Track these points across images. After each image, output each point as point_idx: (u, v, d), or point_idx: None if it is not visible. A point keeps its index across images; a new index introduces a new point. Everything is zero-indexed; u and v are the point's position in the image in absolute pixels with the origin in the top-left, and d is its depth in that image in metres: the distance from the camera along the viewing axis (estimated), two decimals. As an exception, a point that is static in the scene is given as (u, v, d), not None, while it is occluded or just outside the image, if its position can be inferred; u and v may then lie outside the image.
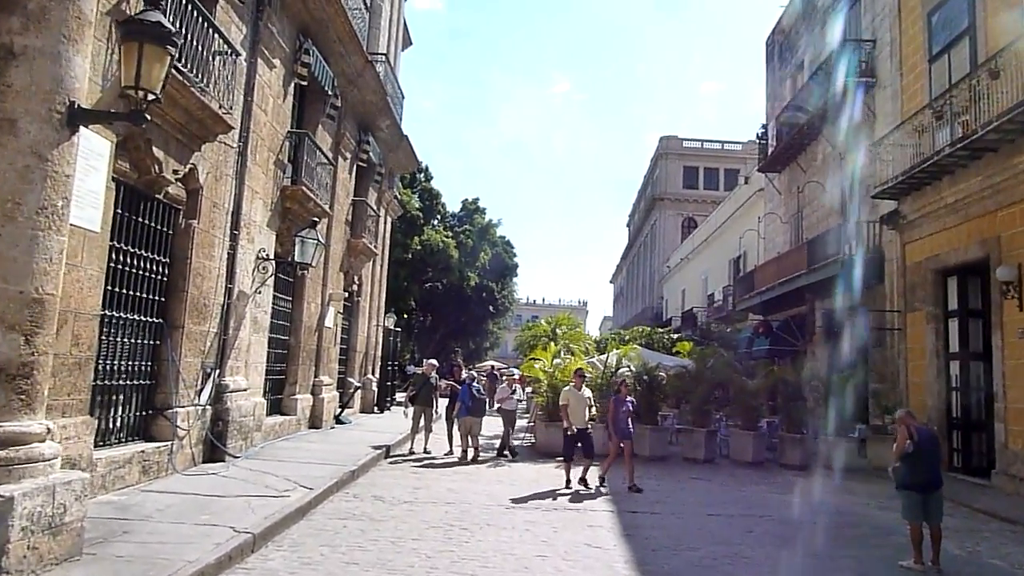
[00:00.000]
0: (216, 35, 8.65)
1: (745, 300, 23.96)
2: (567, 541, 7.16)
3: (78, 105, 5.13)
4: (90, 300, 6.72)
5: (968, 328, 13.18)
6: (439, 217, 40.44)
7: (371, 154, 17.24)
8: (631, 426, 10.87)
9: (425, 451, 13.05)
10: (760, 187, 26.15)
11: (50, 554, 4.83)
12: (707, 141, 50.48)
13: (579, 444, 10.59)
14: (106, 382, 7.53)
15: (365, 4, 16.46)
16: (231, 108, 9.33)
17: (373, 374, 20.46)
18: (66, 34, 5.04)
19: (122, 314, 7.75)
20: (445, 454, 12.97)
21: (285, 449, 11.36)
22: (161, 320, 8.54)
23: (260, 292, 11.26)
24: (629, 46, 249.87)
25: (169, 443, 8.45)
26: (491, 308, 42.46)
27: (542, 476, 11.27)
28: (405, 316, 35.37)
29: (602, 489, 10.22)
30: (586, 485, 10.23)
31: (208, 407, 9.50)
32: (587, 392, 11.21)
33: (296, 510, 7.33)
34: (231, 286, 10.11)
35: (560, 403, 11.08)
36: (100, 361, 7.28)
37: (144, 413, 8.38)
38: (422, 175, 38.82)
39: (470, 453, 12.66)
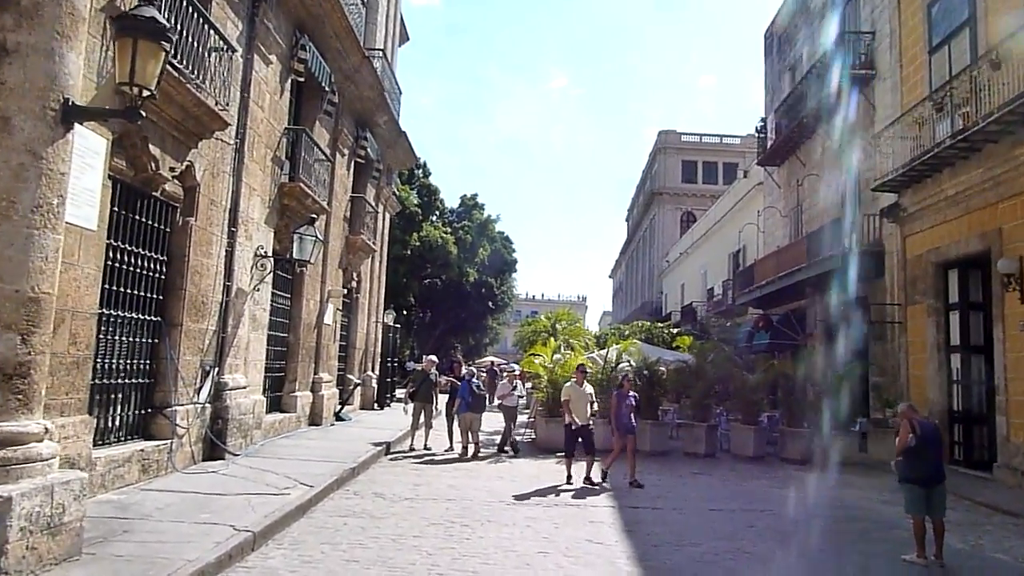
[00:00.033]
0: (212, 31, 8.59)
1: (745, 294, 23.92)
2: (568, 537, 7.14)
3: (72, 102, 5.09)
4: (87, 299, 6.68)
5: (969, 321, 13.15)
6: (438, 213, 40.37)
7: (369, 150, 17.18)
8: (634, 421, 10.86)
9: (425, 447, 13.04)
10: (759, 181, 26.09)
11: (49, 554, 4.80)
12: (706, 135, 50.40)
13: (580, 440, 10.57)
14: (105, 381, 7.49)
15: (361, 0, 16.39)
16: (227, 105, 9.28)
17: (373, 371, 20.44)
18: (59, 30, 4.99)
19: (120, 312, 7.71)
20: (445, 450, 12.95)
21: (285, 446, 11.34)
22: (159, 318, 8.50)
23: (259, 289, 11.22)
24: (626, 40, 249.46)
25: (169, 441, 8.42)
26: (490, 304, 42.44)
27: (543, 472, 11.25)
28: (404, 312, 35.32)
29: (605, 484, 10.20)
30: (592, 483, 10.18)
31: (207, 405, 9.47)
32: (589, 388, 11.18)
33: (296, 508, 7.30)
34: (229, 284, 10.07)
35: (562, 399, 11.05)
36: (98, 360, 7.25)
37: (143, 412, 8.34)
38: (420, 171, 38.74)
39: (470, 449, 12.64)
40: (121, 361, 7.82)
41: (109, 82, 6.51)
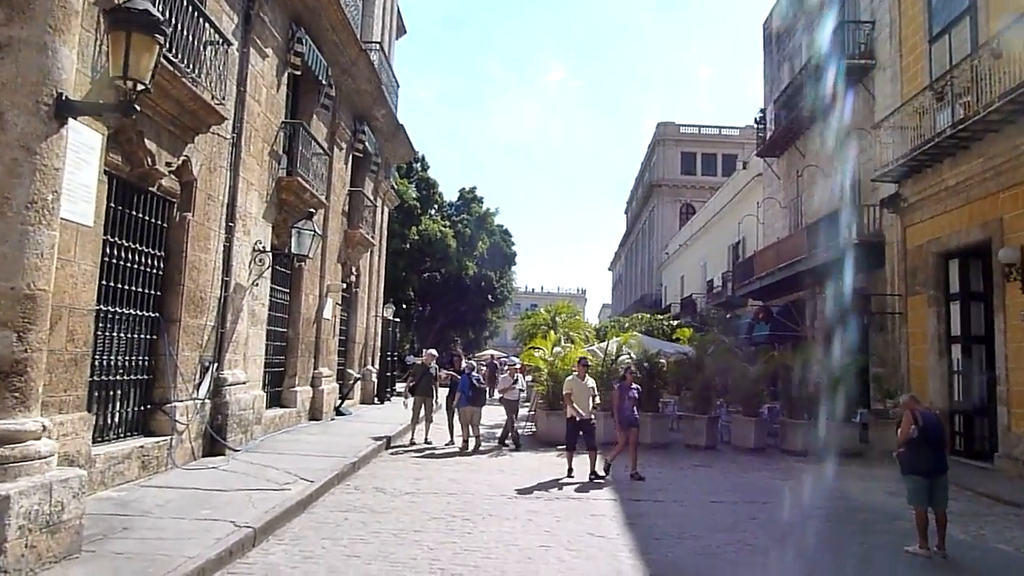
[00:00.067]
0: (207, 24, 8.53)
1: (744, 286, 23.89)
2: (570, 531, 7.13)
3: (66, 97, 5.03)
4: (85, 295, 6.65)
5: (970, 311, 13.13)
6: (436, 207, 40.28)
7: (367, 144, 17.10)
8: (636, 413, 10.84)
9: (426, 442, 13.03)
10: (759, 172, 26.01)
11: (48, 552, 4.78)
12: (704, 127, 50.20)
13: (581, 433, 10.55)
14: (103, 377, 7.46)
15: (358, -8, 16.27)
16: (224, 99, 9.22)
17: (372, 365, 20.42)
18: (52, 24, 4.93)
19: (118, 309, 7.67)
20: (446, 444, 12.94)
21: (285, 442, 11.32)
22: (158, 314, 8.46)
23: (257, 284, 11.18)
24: (623, 32, 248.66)
25: (168, 438, 8.39)
26: (490, 297, 42.41)
27: (544, 465, 11.24)
28: (404, 306, 35.30)
29: (608, 477, 10.18)
30: (597, 476, 10.12)
31: (207, 401, 9.45)
32: (591, 382, 11.14)
33: (297, 503, 7.29)
34: (228, 279, 10.03)
35: (564, 392, 11.02)
36: (97, 356, 7.22)
37: (142, 408, 8.32)
38: (419, 165, 38.63)
39: (471, 443, 12.63)
40: (120, 357, 7.79)
41: (104, 77, 6.45)
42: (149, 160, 7.70)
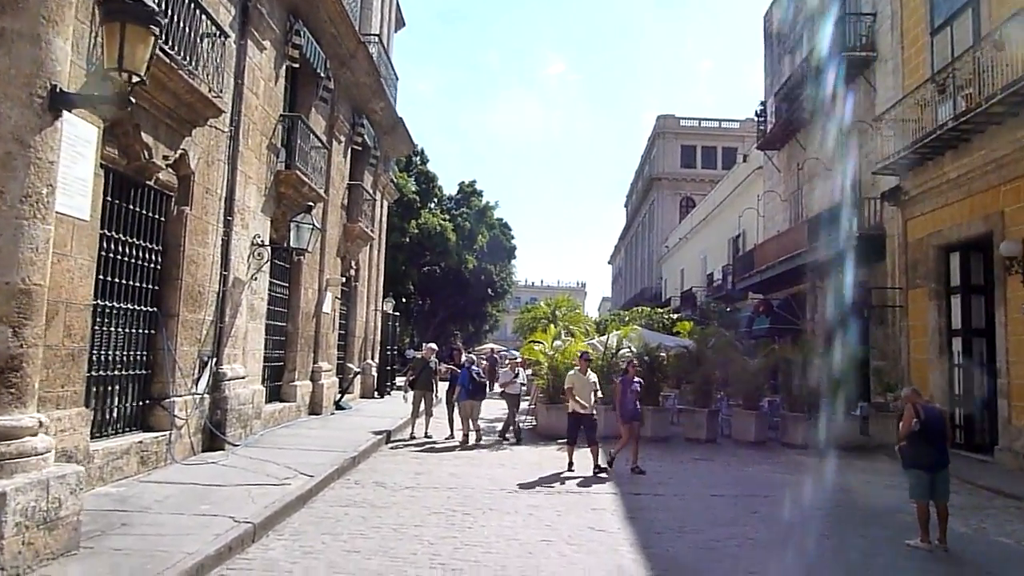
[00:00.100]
0: (204, 16, 8.43)
1: (745, 279, 23.84)
2: (571, 525, 7.11)
3: (60, 89, 4.97)
4: (81, 290, 6.60)
5: (971, 304, 13.10)
6: (436, 200, 40.19)
7: (366, 137, 17.02)
8: (638, 407, 10.81)
9: (426, 436, 13.01)
10: (759, 165, 25.92)
11: (46, 549, 4.75)
12: (704, 120, 50.07)
13: (582, 427, 10.52)
14: (101, 373, 7.42)
15: (357, -16, 16.16)
16: (221, 91, 9.15)
17: (372, 359, 20.40)
18: (46, 15, 4.87)
19: (116, 303, 7.63)
20: (446, 438, 12.92)
21: (285, 436, 11.30)
22: (156, 309, 8.41)
23: (256, 279, 11.12)
24: (623, 25, 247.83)
25: (167, 433, 8.36)
26: (490, 291, 42.33)
27: (544, 459, 11.22)
28: (403, 300, 35.25)
29: (610, 471, 10.15)
30: (601, 470, 10.07)
31: (206, 396, 9.41)
32: (592, 376, 11.10)
33: (297, 498, 7.26)
34: (226, 273, 9.97)
35: (565, 387, 10.99)
36: (94, 352, 7.17)
37: (141, 403, 8.28)
38: (418, 158, 38.52)
39: (471, 437, 12.61)
40: (118, 352, 7.75)
41: (99, 69, 6.38)
42: (146, 153, 7.63)
